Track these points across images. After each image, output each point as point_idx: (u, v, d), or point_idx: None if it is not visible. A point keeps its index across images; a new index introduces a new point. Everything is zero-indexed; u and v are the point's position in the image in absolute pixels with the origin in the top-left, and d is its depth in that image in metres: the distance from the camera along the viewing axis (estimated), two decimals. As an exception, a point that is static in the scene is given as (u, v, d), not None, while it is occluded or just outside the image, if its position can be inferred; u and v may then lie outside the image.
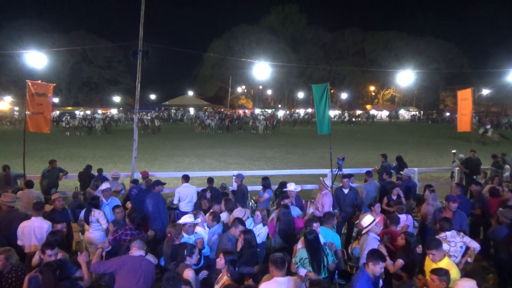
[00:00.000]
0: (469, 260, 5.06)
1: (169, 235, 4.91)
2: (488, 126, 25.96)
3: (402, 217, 6.22)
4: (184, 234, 5.12)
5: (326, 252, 4.68)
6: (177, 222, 5.40)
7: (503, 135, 25.72)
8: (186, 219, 5.26)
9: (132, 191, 7.83)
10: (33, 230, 5.41)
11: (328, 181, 7.37)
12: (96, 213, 6.14)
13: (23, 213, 6.09)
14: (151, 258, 4.57)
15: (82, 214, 6.32)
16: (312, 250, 4.59)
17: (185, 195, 7.53)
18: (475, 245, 5.08)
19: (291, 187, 6.98)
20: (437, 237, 5.02)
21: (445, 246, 4.94)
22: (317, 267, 4.55)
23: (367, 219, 5.15)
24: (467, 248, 5.09)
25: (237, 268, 4.19)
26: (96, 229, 6.15)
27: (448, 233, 5.10)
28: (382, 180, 8.86)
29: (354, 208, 7.39)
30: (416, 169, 11.41)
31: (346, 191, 7.46)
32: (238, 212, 5.75)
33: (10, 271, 4.25)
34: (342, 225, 7.60)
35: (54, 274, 3.75)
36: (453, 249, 5.01)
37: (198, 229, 5.50)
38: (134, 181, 8.24)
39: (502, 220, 5.70)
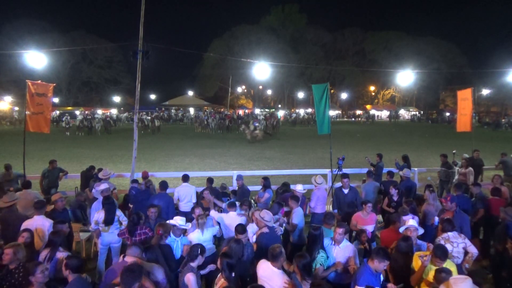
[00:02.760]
0: (467, 265, 5.08)
1: (160, 232, 4.90)
2: (257, 124, 26.21)
3: (408, 218, 6.20)
4: (171, 234, 5.15)
5: (317, 256, 4.59)
6: (167, 222, 5.36)
7: (267, 132, 26.56)
8: (177, 221, 5.19)
9: (131, 191, 7.84)
10: (35, 229, 5.43)
11: (319, 179, 7.40)
12: (118, 213, 6.07)
13: (21, 214, 6.11)
14: (158, 269, 4.27)
15: (100, 216, 5.94)
16: (309, 245, 4.64)
17: (184, 195, 7.53)
18: (473, 250, 5.08)
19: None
20: (440, 239, 5.07)
21: (448, 247, 4.94)
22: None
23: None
24: (466, 253, 5.09)
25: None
26: (116, 228, 6.00)
27: (450, 233, 5.12)
28: (377, 180, 8.84)
29: (354, 209, 7.38)
30: (416, 169, 11.42)
31: (346, 191, 7.46)
32: (265, 214, 5.29)
33: (18, 267, 4.21)
34: (342, 225, 7.60)
35: None
36: (456, 249, 5.02)
37: (192, 236, 5.39)
38: (134, 181, 8.21)
39: (504, 217, 5.74)
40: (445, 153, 10.82)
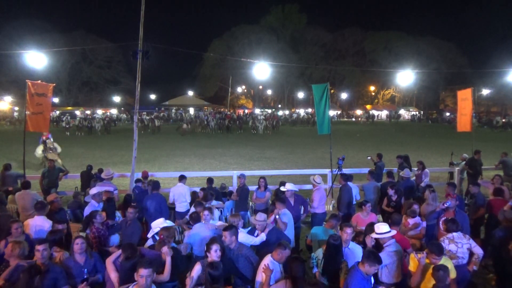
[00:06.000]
0: (475, 267, 5.05)
1: (161, 236, 4.86)
2: None
3: (417, 220, 6.21)
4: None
5: (343, 266, 4.54)
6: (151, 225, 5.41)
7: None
8: (160, 223, 5.18)
9: (134, 190, 7.90)
10: (34, 228, 5.47)
11: (318, 179, 7.39)
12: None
13: (10, 214, 6.13)
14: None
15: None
16: (328, 255, 4.59)
17: (178, 195, 7.52)
18: (478, 251, 5.02)
19: (288, 186, 6.97)
20: (444, 239, 5.06)
21: (452, 247, 4.96)
22: (330, 274, 4.57)
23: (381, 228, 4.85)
24: (471, 254, 5.04)
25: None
26: None
27: (455, 234, 5.07)
28: (377, 180, 8.84)
29: (343, 206, 7.38)
30: (416, 169, 11.37)
31: (339, 187, 7.55)
32: (258, 216, 5.47)
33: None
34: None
35: (31, 280, 3.81)
36: (460, 250, 4.98)
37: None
38: (138, 180, 8.24)
39: (501, 219, 5.71)
40: (402, 155, 10.44)
